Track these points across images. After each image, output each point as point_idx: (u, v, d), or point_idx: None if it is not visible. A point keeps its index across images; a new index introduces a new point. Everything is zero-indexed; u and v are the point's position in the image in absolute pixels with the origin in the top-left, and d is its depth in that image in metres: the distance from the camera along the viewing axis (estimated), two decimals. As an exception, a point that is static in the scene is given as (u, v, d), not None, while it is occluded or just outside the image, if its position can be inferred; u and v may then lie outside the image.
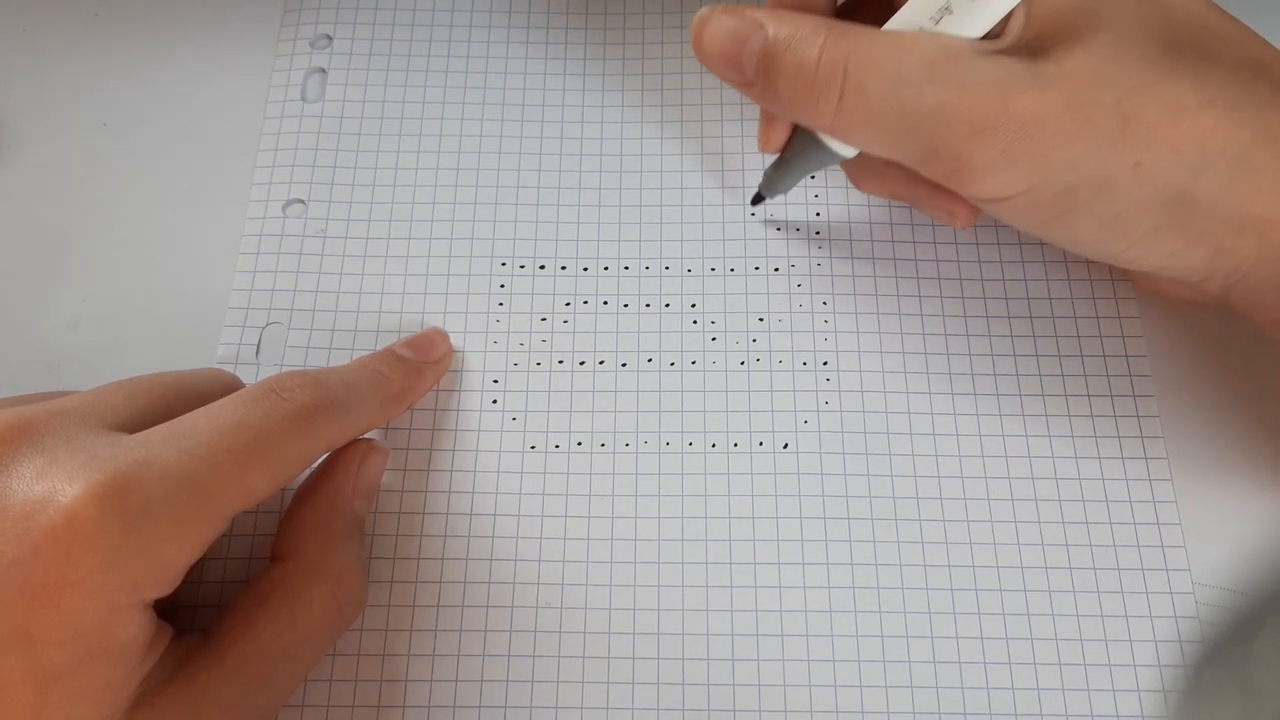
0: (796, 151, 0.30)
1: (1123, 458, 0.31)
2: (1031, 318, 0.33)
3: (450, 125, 0.36)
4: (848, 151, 0.29)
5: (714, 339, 0.33)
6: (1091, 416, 0.31)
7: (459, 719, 0.28)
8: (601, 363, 0.32)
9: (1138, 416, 0.31)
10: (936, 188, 0.29)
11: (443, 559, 0.30)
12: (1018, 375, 0.32)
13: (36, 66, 0.37)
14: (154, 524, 0.22)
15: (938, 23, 0.25)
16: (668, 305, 0.33)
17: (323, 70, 0.37)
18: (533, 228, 0.34)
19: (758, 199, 0.33)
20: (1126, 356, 0.32)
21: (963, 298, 0.33)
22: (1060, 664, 0.28)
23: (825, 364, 0.32)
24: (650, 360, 0.32)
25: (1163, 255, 0.26)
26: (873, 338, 0.32)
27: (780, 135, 0.30)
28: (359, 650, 0.29)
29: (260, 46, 0.37)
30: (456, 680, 0.28)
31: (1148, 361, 0.32)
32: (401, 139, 0.36)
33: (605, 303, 0.33)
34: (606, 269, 0.34)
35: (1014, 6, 0.25)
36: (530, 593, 0.29)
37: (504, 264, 0.34)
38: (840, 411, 0.31)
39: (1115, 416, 0.31)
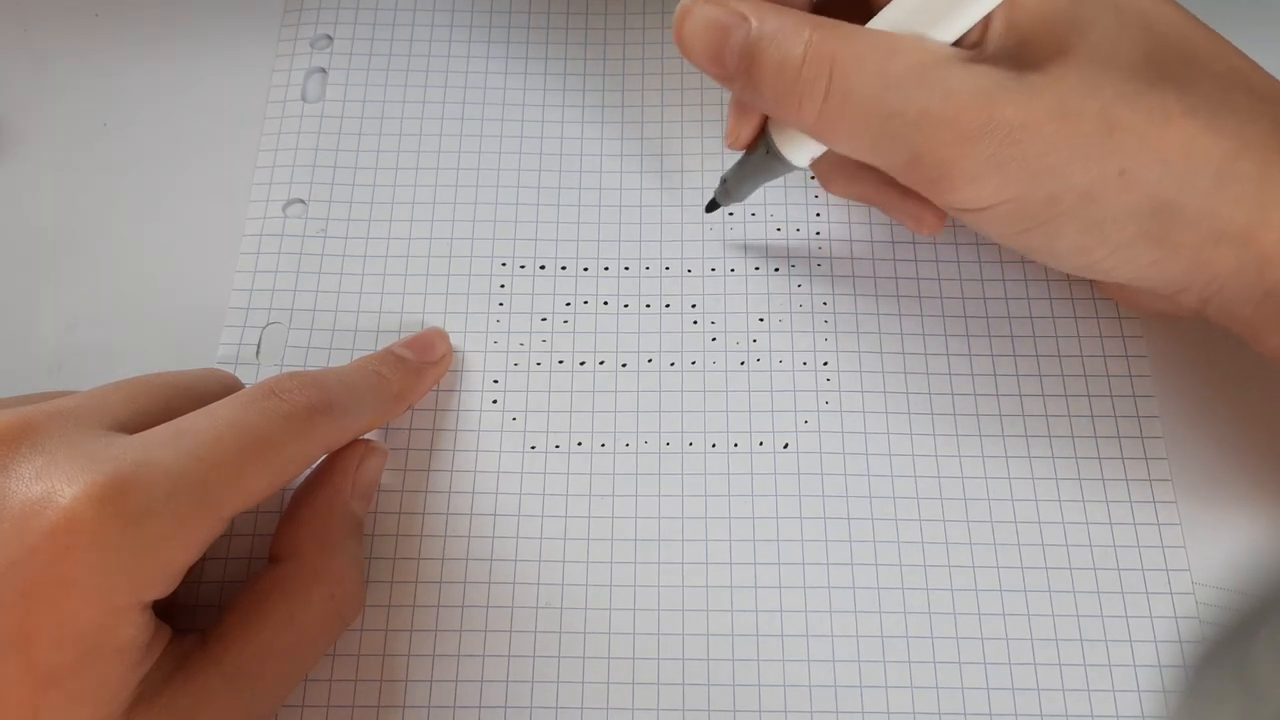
0: (754, 163, 0.30)
1: (1123, 458, 0.31)
2: (1032, 318, 0.32)
3: (450, 125, 0.36)
4: (802, 161, 0.28)
5: (714, 339, 0.33)
6: (1092, 417, 0.31)
7: (459, 719, 0.28)
8: (601, 363, 0.32)
9: (1138, 417, 0.31)
10: (906, 192, 0.29)
11: (443, 559, 0.30)
12: (1018, 376, 0.32)
13: (36, 66, 0.37)
14: (153, 525, 0.22)
15: (913, 27, 0.25)
16: (668, 305, 0.33)
17: (323, 70, 0.37)
18: (533, 228, 0.34)
19: (712, 206, 0.32)
20: (1127, 357, 0.32)
21: (963, 298, 0.33)
22: (1060, 664, 0.28)
23: (825, 364, 0.32)
24: (650, 360, 0.32)
25: (1141, 265, 0.26)
26: (873, 338, 0.32)
27: (749, 133, 0.30)
28: (359, 650, 0.29)
29: (260, 46, 0.37)
30: (456, 680, 0.28)
31: (1148, 362, 0.32)
32: (401, 139, 0.36)
33: (605, 303, 0.33)
34: (606, 269, 0.34)
35: (991, 10, 0.25)
36: (530, 593, 0.29)
37: (504, 264, 0.34)
38: (840, 411, 0.31)
39: (1116, 417, 0.31)
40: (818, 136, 0.27)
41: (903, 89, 0.24)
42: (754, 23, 0.25)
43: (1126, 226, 0.25)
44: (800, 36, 0.25)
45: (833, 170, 0.31)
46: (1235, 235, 0.25)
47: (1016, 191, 0.25)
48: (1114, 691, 0.28)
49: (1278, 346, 0.26)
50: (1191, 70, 0.25)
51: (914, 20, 0.25)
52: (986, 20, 0.25)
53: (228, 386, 0.29)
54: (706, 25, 0.26)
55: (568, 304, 0.33)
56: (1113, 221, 0.25)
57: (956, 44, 0.25)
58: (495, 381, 0.32)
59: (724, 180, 0.31)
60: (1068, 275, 0.33)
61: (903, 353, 0.32)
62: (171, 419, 0.25)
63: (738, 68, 0.26)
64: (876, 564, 0.29)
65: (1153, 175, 0.24)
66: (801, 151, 0.28)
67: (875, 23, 0.26)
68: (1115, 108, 0.24)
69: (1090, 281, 0.33)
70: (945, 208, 0.27)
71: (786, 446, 0.31)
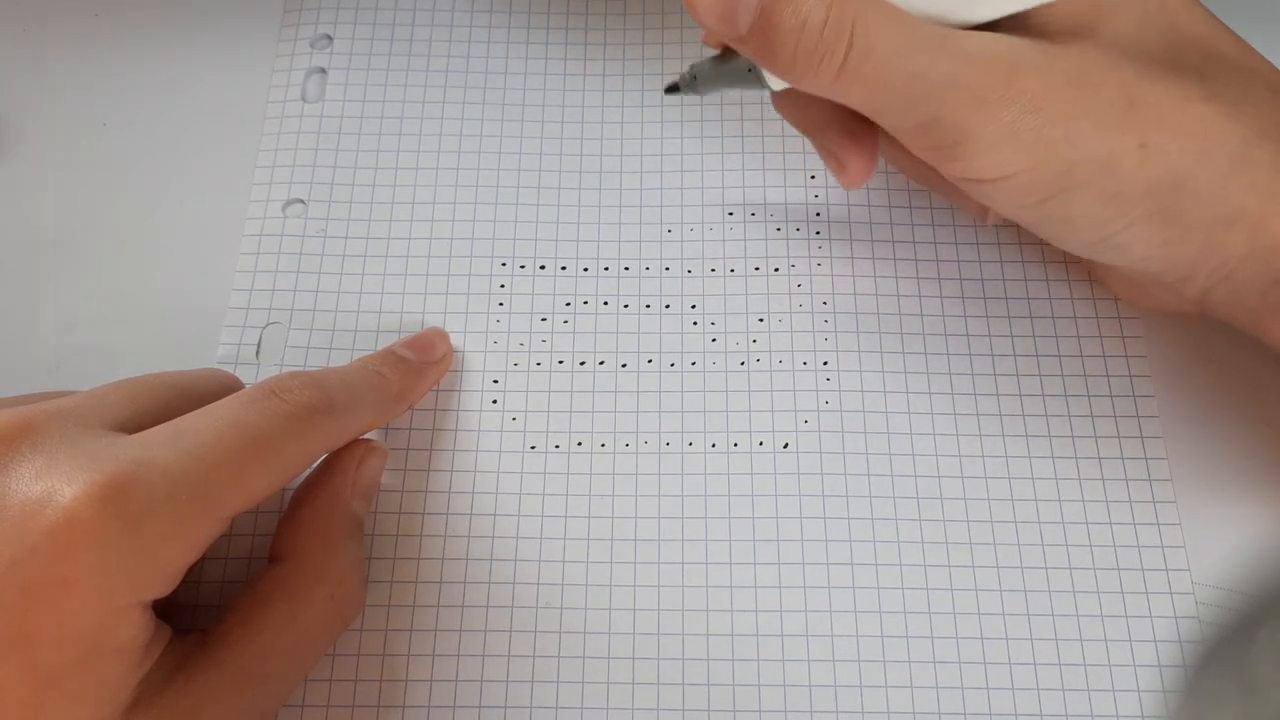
0: (726, 66, 0.29)
1: (1123, 458, 0.31)
2: (1032, 317, 0.32)
3: (450, 125, 0.36)
4: (779, 85, 0.28)
5: (714, 339, 0.33)
6: (1091, 416, 0.31)
7: (459, 719, 0.28)
8: (601, 363, 0.32)
9: (1138, 416, 0.31)
10: (844, 136, 0.28)
11: (443, 559, 0.30)
12: (1018, 375, 0.32)
13: (36, 66, 0.37)
14: (153, 524, 0.22)
15: (942, 8, 0.25)
16: (668, 305, 0.33)
17: (323, 70, 0.37)
18: (533, 228, 0.34)
19: (672, 89, 0.31)
20: (1126, 356, 0.32)
21: (963, 298, 0.33)
22: (1060, 664, 0.28)
23: (825, 364, 0.32)
24: (650, 360, 0.32)
25: (1153, 244, 0.26)
26: (873, 338, 0.32)
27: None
28: (359, 650, 0.29)
29: (260, 46, 0.37)
30: (456, 680, 0.28)
31: (1148, 362, 0.32)
32: (401, 139, 0.36)
33: (605, 303, 0.33)
34: (606, 269, 0.34)
35: (1031, 8, 0.25)
36: (530, 593, 0.29)
37: (504, 264, 0.34)
38: (840, 411, 0.31)
39: (1115, 416, 0.31)
40: (834, 95, 0.26)
41: (926, 52, 0.24)
42: None
43: (1143, 201, 0.25)
44: None
45: (789, 94, 0.30)
46: (1247, 220, 0.25)
47: (1034, 160, 0.25)
48: (1114, 691, 0.28)
49: None
50: (1211, 64, 0.26)
51: (935, 4, 0.25)
52: None
53: (228, 386, 0.29)
54: None
55: (568, 304, 0.33)
56: (1129, 195, 0.25)
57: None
58: (495, 381, 0.32)
59: (693, 71, 0.30)
60: (1068, 274, 0.33)
61: (902, 353, 0.32)
62: (171, 419, 0.25)
63: (751, 28, 0.25)
64: (876, 564, 0.29)
65: (1173, 150, 0.25)
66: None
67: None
68: (1136, 85, 0.25)
69: (1092, 280, 0.33)
70: (959, 177, 0.26)
71: (786, 446, 0.31)
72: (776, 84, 0.28)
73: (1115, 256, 0.27)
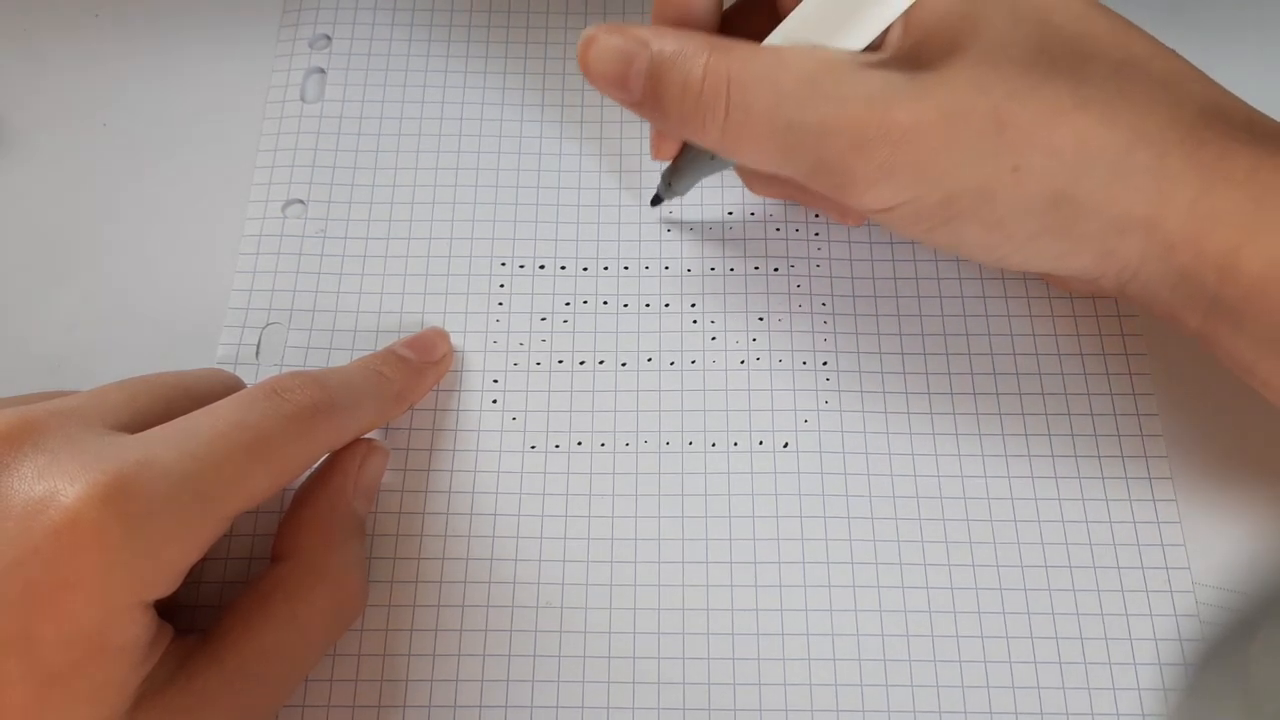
0: (689, 159, 0.30)
1: (1123, 456, 0.31)
2: (1032, 317, 0.33)
3: (450, 125, 0.36)
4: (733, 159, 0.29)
5: (714, 339, 0.33)
6: (1091, 415, 0.31)
7: (460, 719, 0.28)
8: (601, 362, 0.32)
9: (1138, 415, 0.31)
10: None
11: (443, 559, 0.30)
12: (1018, 374, 0.32)
13: (36, 66, 0.37)
14: (155, 524, 0.22)
15: (820, 36, 0.25)
16: (667, 305, 0.33)
17: (322, 70, 0.37)
18: (533, 228, 0.34)
19: (656, 200, 0.33)
20: (1126, 355, 0.32)
21: (963, 297, 0.33)
22: (1060, 662, 0.28)
23: (825, 364, 0.32)
24: (650, 360, 0.32)
25: (1049, 258, 0.26)
26: (872, 338, 0.32)
27: (671, 145, 0.31)
28: (359, 650, 0.29)
29: (260, 46, 0.37)
30: (457, 680, 0.28)
31: (1147, 360, 0.32)
32: (401, 139, 0.36)
33: (605, 303, 0.33)
34: (606, 269, 0.34)
35: (896, 18, 0.25)
36: (530, 592, 0.29)
37: (504, 264, 0.34)
38: (840, 411, 0.31)
39: (1115, 415, 0.31)
40: (725, 153, 0.27)
41: (796, 99, 0.25)
42: (655, 48, 0.26)
43: (1028, 222, 0.25)
44: (699, 58, 0.25)
45: (752, 172, 0.31)
46: (1137, 225, 0.25)
47: (914, 193, 0.25)
48: (1114, 690, 0.28)
49: (1199, 328, 0.26)
50: (1087, 60, 0.25)
51: (811, 31, 0.25)
52: None
53: (229, 386, 0.29)
54: (610, 53, 0.26)
55: (567, 304, 0.33)
56: (1013, 218, 0.25)
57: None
58: (495, 381, 0.32)
59: (665, 178, 0.32)
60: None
61: (902, 352, 0.32)
62: (173, 419, 0.25)
63: (643, 92, 0.26)
64: (876, 563, 0.29)
65: (1047, 169, 0.25)
66: None
67: (773, 37, 0.26)
68: (1005, 106, 0.24)
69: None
70: (855, 209, 0.27)
71: (786, 446, 0.31)
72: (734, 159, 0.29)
73: (1021, 269, 0.27)
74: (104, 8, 0.38)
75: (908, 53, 0.25)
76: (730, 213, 0.34)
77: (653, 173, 0.35)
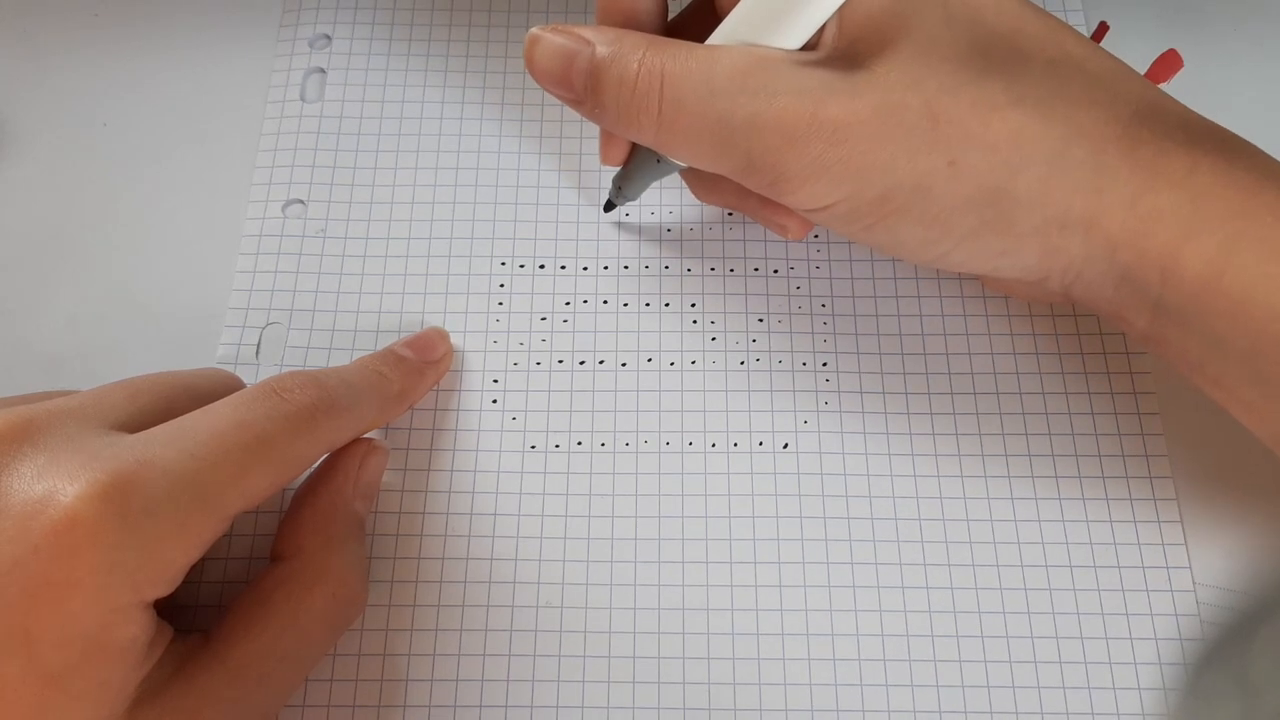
0: (637, 163, 0.31)
1: (1123, 455, 0.31)
2: (1031, 316, 0.33)
3: (450, 125, 0.36)
4: (681, 162, 0.29)
5: (714, 339, 0.33)
6: (1092, 414, 0.31)
7: (460, 719, 0.28)
8: (601, 362, 0.32)
9: (1139, 414, 0.31)
10: (766, 200, 0.29)
11: (443, 559, 0.30)
12: (1018, 374, 0.32)
13: (36, 66, 0.37)
14: (154, 524, 0.22)
15: (756, 35, 0.25)
16: (667, 305, 0.33)
17: (322, 70, 0.37)
18: (533, 228, 0.34)
19: (609, 206, 0.33)
20: (1127, 354, 0.32)
21: (962, 297, 0.33)
22: (1061, 662, 0.28)
23: (824, 364, 0.32)
24: (650, 360, 0.32)
25: (990, 256, 0.26)
26: (872, 339, 0.32)
27: (619, 150, 0.31)
28: (360, 650, 0.29)
29: (260, 46, 0.37)
30: (457, 680, 0.28)
31: (1148, 359, 0.32)
32: (401, 139, 0.36)
33: (605, 302, 0.33)
34: (606, 269, 0.34)
35: (829, 17, 0.25)
36: (530, 592, 0.29)
37: (504, 264, 0.34)
38: (840, 412, 0.31)
39: (1116, 414, 0.31)
40: (661, 149, 0.27)
41: (727, 95, 0.25)
42: (596, 46, 0.26)
43: (966, 217, 0.25)
44: (635, 55, 0.26)
45: (696, 179, 0.32)
46: (1077, 221, 0.25)
47: (848, 190, 0.25)
48: (1114, 689, 0.28)
49: (1145, 328, 0.26)
50: (1021, 60, 0.25)
51: (748, 30, 0.26)
52: None
53: (229, 386, 0.29)
54: (554, 52, 0.27)
55: (567, 303, 0.33)
56: (950, 213, 0.25)
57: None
58: (495, 381, 0.32)
59: (615, 183, 0.32)
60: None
61: (902, 353, 0.32)
62: (173, 418, 0.25)
63: (584, 90, 0.26)
64: (876, 563, 0.29)
65: (982, 164, 0.25)
66: None
67: (713, 38, 0.26)
68: (939, 101, 0.24)
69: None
70: (792, 209, 0.27)
71: (786, 446, 0.31)
72: (679, 162, 0.29)
73: (962, 269, 0.27)
74: (104, 8, 0.38)
75: (842, 52, 0.25)
76: (730, 213, 0.34)
77: (653, 190, 0.35)
